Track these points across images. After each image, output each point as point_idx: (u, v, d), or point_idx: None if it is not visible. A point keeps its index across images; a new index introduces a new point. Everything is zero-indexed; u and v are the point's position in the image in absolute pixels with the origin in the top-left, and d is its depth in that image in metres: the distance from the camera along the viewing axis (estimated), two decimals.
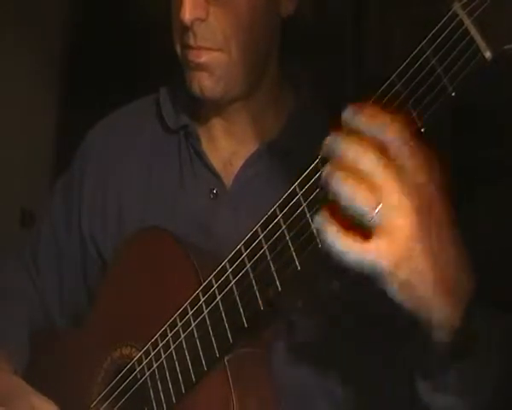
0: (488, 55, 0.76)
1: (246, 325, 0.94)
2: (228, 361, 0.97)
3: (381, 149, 0.78)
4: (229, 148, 1.17)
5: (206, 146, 1.18)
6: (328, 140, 0.81)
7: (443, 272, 0.80)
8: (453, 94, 0.78)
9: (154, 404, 1.04)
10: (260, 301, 0.92)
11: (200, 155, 1.17)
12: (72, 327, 1.29)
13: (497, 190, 1.09)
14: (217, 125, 1.17)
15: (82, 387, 1.14)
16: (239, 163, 1.16)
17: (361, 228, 0.79)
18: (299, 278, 0.89)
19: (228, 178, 1.16)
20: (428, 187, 0.79)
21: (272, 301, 0.93)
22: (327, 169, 0.80)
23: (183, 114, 1.19)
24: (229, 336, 0.96)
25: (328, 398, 1.09)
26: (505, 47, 0.76)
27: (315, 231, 0.83)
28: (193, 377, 0.99)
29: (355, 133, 0.79)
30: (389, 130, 0.78)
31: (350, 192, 0.78)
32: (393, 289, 0.80)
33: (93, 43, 2.45)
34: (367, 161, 0.78)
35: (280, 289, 0.91)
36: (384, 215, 0.78)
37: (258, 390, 0.99)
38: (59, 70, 2.56)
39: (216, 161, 1.17)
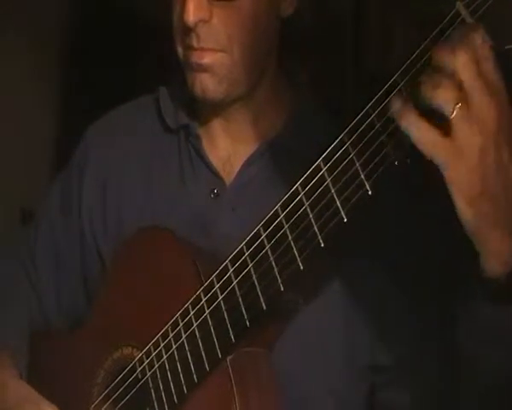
0: None
1: (248, 325, 0.94)
2: (230, 361, 0.97)
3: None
4: (228, 147, 1.17)
5: (205, 146, 1.18)
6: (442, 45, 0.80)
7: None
8: None
9: (156, 404, 1.04)
10: (263, 301, 0.93)
11: (200, 155, 1.17)
12: (71, 327, 1.28)
13: None
14: (217, 124, 1.17)
15: (82, 388, 1.14)
16: (239, 163, 1.16)
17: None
18: (301, 277, 0.89)
19: (228, 178, 1.16)
20: (506, 108, 0.79)
21: (275, 301, 0.93)
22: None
23: (183, 113, 1.19)
24: (232, 335, 0.96)
25: (331, 397, 1.10)
26: (507, 47, 0.77)
27: (393, 115, 0.81)
28: (195, 377, 0.99)
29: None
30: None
31: (435, 81, 0.78)
32: (460, 202, 0.80)
33: (93, 42, 2.45)
34: (461, 54, 0.77)
35: (282, 288, 0.91)
36: (465, 115, 0.78)
37: (260, 390, 0.99)
38: (59, 70, 2.56)
39: (216, 160, 1.17)
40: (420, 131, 0.79)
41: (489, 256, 0.83)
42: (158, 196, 1.19)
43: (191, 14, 1.06)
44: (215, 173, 1.16)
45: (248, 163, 1.15)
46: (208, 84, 1.10)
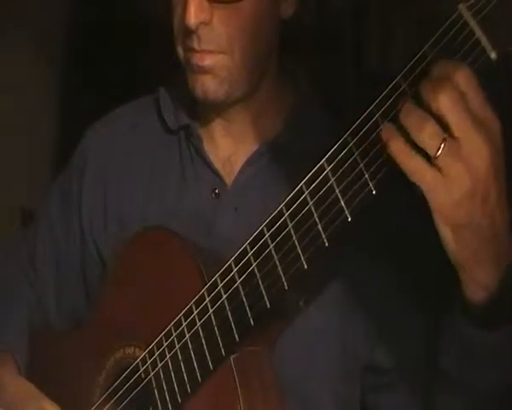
0: (493, 55, 0.77)
1: (252, 324, 0.95)
2: (234, 360, 0.97)
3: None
4: (229, 147, 1.17)
5: (206, 146, 1.18)
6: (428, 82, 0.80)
7: (497, 231, 0.81)
8: None
9: (159, 404, 1.04)
10: (267, 300, 0.93)
11: (201, 155, 1.17)
12: (73, 327, 1.28)
13: None
14: (217, 125, 1.17)
15: (84, 388, 1.14)
16: (239, 163, 1.16)
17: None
18: (305, 276, 0.90)
19: (229, 178, 1.16)
20: (497, 144, 0.79)
21: (279, 300, 0.93)
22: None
23: (183, 113, 1.19)
24: (236, 334, 0.96)
25: (332, 398, 1.10)
26: (510, 48, 0.77)
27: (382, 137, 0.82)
28: (198, 376, 0.99)
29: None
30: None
31: (420, 124, 0.79)
32: (445, 231, 0.81)
33: (93, 43, 2.45)
34: (442, 95, 0.77)
35: (286, 287, 0.91)
36: (450, 154, 0.78)
37: (264, 388, 0.99)
38: (59, 70, 2.57)
39: (216, 160, 1.17)
40: (406, 158, 0.80)
41: (469, 281, 0.84)
42: (159, 196, 1.19)
43: (192, 17, 1.05)
44: (216, 173, 1.16)
45: (248, 163, 1.15)
46: (209, 86, 1.09)
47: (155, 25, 1.69)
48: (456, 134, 0.78)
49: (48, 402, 1.14)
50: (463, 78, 0.78)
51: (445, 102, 0.77)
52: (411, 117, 0.79)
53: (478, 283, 0.84)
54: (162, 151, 1.21)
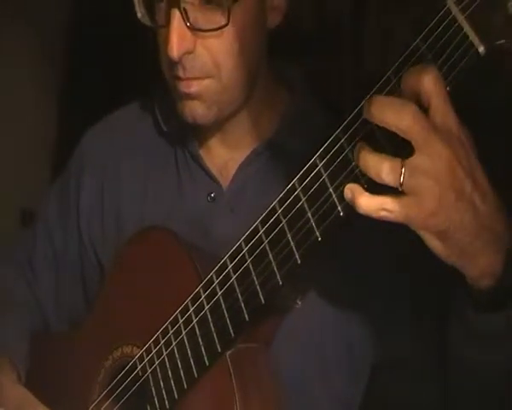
0: (482, 50, 0.78)
1: (247, 319, 0.95)
2: (229, 356, 0.97)
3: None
4: (224, 154, 1.17)
5: (201, 150, 1.18)
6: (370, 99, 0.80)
7: (483, 220, 0.81)
8: (447, 89, 0.79)
9: (156, 401, 1.04)
10: (261, 296, 0.93)
11: (196, 159, 1.17)
12: (72, 328, 1.28)
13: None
14: (211, 135, 1.17)
15: (83, 388, 1.14)
16: (234, 166, 1.15)
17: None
18: (299, 271, 0.90)
19: (225, 181, 1.16)
20: (460, 139, 0.79)
21: (273, 295, 0.93)
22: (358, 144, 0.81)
23: (179, 118, 1.19)
24: (231, 330, 0.96)
25: (330, 397, 1.10)
26: (498, 42, 0.77)
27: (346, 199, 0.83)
28: (195, 372, 0.99)
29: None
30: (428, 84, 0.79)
31: (376, 167, 0.79)
32: (431, 240, 0.81)
33: (93, 43, 2.46)
34: (405, 116, 0.78)
35: (281, 282, 0.91)
36: (413, 175, 0.78)
37: (260, 384, 0.99)
38: (59, 70, 2.57)
39: (212, 165, 1.17)
40: (366, 203, 0.80)
41: (472, 273, 0.84)
42: (156, 199, 1.19)
43: (175, 49, 1.03)
44: (212, 177, 1.16)
45: (244, 165, 1.15)
46: (198, 112, 1.09)
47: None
48: (419, 149, 0.78)
49: None
50: (429, 83, 0.78)
51: (408, 124, 0.77)
52: (366, 161, 0.80)
53: (481, 272, 0.84)
54: (159, 154, 1.21)
